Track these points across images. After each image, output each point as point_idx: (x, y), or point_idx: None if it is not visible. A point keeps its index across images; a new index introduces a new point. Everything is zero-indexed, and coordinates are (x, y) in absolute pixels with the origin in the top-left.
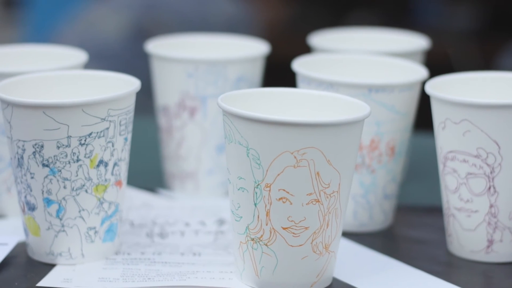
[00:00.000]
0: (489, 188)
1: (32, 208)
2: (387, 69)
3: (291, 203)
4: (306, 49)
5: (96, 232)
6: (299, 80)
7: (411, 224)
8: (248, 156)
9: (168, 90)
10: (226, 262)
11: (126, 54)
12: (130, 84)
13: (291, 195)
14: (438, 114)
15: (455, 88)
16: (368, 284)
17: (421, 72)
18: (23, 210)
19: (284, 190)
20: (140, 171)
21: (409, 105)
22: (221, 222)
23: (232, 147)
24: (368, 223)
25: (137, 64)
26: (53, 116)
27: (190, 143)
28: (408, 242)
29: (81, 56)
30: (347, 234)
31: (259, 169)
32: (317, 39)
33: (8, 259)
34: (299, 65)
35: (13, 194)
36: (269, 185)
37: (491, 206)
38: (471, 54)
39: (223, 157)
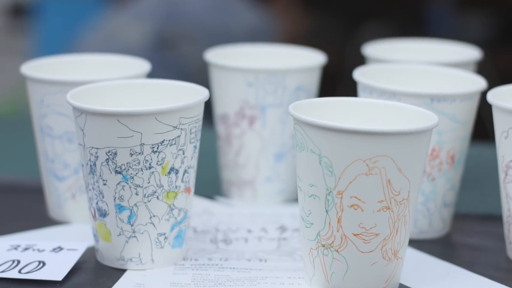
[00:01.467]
0: None
1: (103, 214)
2: (445, 79)
3: (362, 210)
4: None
5: (166, 238)
6: (360, 90)
7: (468, 232)
8: (320, 164)
9: (227, 99)
10: (292, 268)
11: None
12: (199, 93)
13: (363, 202)
14: (500, 123)
15: None
16: None
17: (480, 82)
18: (94, 216)
19: (356, 197)
20: (198, 179)
21: (469, 114)
22: (282, 229)
23: (304, 155)
24: (427, 230)
25: (160, 74)
26: (127, 124)
27: (249, 151)
28: (466, 249)
29: (144, 65)
30: None
31: (331, 177)
32: (370, 49)
33: (78, 264)
34: (360, 74)
35: (78, 201)
36: (341, 192)
37: None
38: (485, 64)
39: (281, 165)
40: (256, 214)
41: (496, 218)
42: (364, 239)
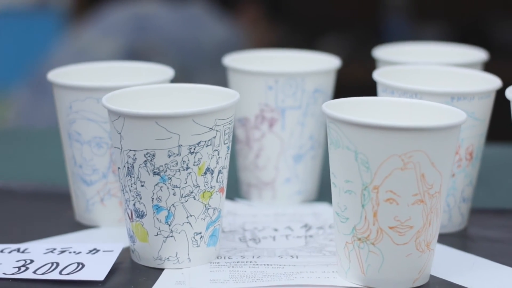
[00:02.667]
0: None
1: (141, 215)
2: (461, 79)
3: (397, 204)
4: None
5: (201, 237)
6: (380, 90)
7: (485, 225)
8: (356, 160)
9: (248, 103)
10: (324, 263)
11: None
12: (231, 95)
13: (398, 196)
14: None
15: None
16: (463, 280)
17: (496, 81)
18: (130, 218)
19: (391, 191)
20: None
21: (486, 112)
22: (307, 227)
23: (339, 152)
24: (447, 224)
25: None
26: (165, 126)
27: (269, 153)
28: (486, 241)
29: (169, 71)
30: None
31: (367, 172)
32: (381, 52)
33: (114, 265)
34: (379, 75)
35: (106, 204)
36: (377, 187)
37: None
38: None
39: (299, 166)
40: (279, 214)
41: (509, 212)
42: (399, 232)
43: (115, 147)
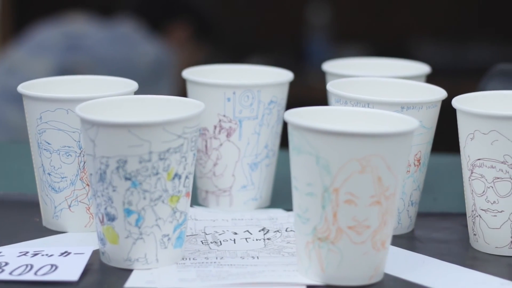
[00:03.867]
0: None
1: (112, 218)
2: (409, 90)
3: (356, 205)
4: None
5: (169, 239)
6: (333, 101)
7: (431, 228)
8: (318, 165)
9: (207, 113)
10: (284, 263)
11: None
12: (197, 105)
13: (357, 197)
14: (466, 126)
15: (477, 104)
16: (414, 276)
17: (442, 91)
18: (102, 221)
19: (350, 193)
20: None
21: (433, 121)
22: (265, 231)
23: (301, 157)
24: (397, 227)
25: None
26: (137, 133)
27: (226, 161)
28: (434, 242)
29: (133, 84)
30: None
31: (328, 176)
32: (330, 65)
33: (85, 267)
34: (332, 86)
35: (73, 210)
36: (337, 189)
37: None
38: None
39: (255, 174)
40: (237, 219)
41: (452, 216)
42: (357, 231)
43: (88, 154)
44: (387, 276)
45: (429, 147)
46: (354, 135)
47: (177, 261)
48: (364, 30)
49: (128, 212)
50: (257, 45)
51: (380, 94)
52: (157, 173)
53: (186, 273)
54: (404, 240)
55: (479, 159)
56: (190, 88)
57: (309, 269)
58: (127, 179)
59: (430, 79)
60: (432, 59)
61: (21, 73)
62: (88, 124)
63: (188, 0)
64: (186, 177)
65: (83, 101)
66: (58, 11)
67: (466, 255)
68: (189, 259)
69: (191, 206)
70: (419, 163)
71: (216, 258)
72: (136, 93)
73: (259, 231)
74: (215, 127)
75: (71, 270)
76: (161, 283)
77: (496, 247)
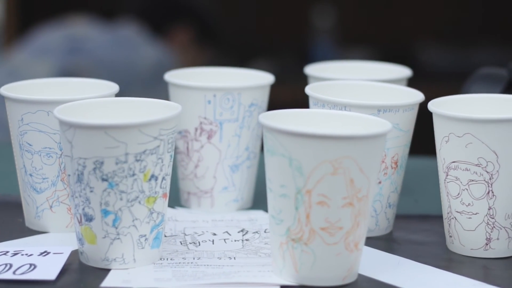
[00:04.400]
0: (488, 192)
1: (89, 219)
2: (387, 93)
3: (328, 206)
4: None
5: (146, 239)
6: (312, 104)
7: (410, 230)
8: (290, 166)
9: (188, 116)
10: (260, 263)
11: None
12: (174, 108)
13: (329, 199)
14: (441, 129)
15: (453, 107)
16: (387, 277)
17: (419, 95)
18: (80, 221)
19: (322, 195)
20: None
21: (410, 124)
22: (244, 232)
23: (275, 159)
24: (374, 229)
25: None
26: (113, 135)
27: (207, 163)
28: (411, 244)
29: (114, 86)
30: None
31: (300, 177)
32: (312, 68)
33: (64, 266)
34: (311, 90)
35: (55, 211)
36: (309, 191)
37: (489, 208)
38: None
39: (236, 176)
40: (217, 220)
41: (432, 218)
42: (330, 233)
43: (66, 155)
44: (361, 277)
45: (406, 149)
46: (326, 137)
47: (154, 261)
48: (369, 33)
49: (105, 213)
50: (262, 48)
51: (358, 97)
52: (133, 174)
53: (162, 273)
54: (382, 242)
55: (454, 162)
56: (171, 91)
57: (283, 269)
58: (104, 180)
59: (434, 82)
60: (437, 63)
61: (23, 75)
62: (66, 125)
63: (191, 3)
64: (163, 178)
65: (63, 103)
66: (61, 14)
67: (441, 256)
68: (167, 259)
69: (173, 207)
70: (397, 166)
71: (194, 258)
72: (137, 95)
73: (238, 232)
74: (196, 129)
75: (49, 270)
76: (137, 282)
77: (471, 249)
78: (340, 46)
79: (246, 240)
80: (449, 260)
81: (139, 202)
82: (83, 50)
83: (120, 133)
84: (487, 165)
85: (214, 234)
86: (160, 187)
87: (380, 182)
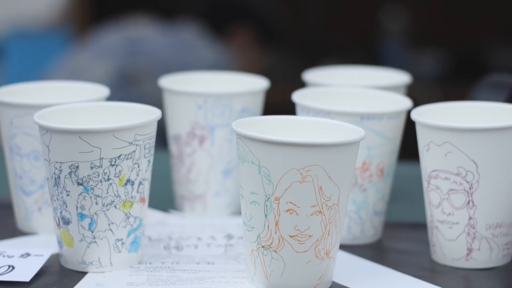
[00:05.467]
0: (468, 202)
1: (67, 222)
2: (376, 100)
3: (297, 214)
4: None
5: (123, 243)
6: (298, 110)
7: (398, 238)
8: (260, 174)
9: (179, 121)
10: (237, 269)
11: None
12: (152, 113)
13: (298, 207)
14: (422, 138)
15: (436, 115)
16: (362, 286)
17: (406, 102)
18: (58, 224)
19: (291, 202)
20: (154, 195)
21: (396, 131)
22: (229, 237)
23: (246, 166)
24: (360, 236)
25: None
26: (87, 140)
27: (199, 168)
28: (395, 252)
29: (103, 90)
30: (341, 246)
31: (269, 185)
32: (310, 75)
33: (44, 268)
34: (298, 97)
35: (44, 213)
36: (278, 198)
37: (470, 218)
38: (436, 99)
39: (228, 181)
40: (206, 225)
41: (423, 227)
42: (299, 240)
43: (44, 159)
44: (335, 285)
45: (393, 157)
46: (294, 145)
47: (132, 265)
48: (441, 36)
49: (81, 216)
50: (330, 49)
51: (346, 104)
52: (108, 179)
53: (137, 277)
54: (367, 250)
55: (434, 171)
56: (165, 96)
57: (254, 276)
58: (79, 184)
59: None
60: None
61: (82, 76)
62: (43, 130)
63: (252, 4)
64: (140, 183)
65: (49, 106)
66: (122, 14)
67: (423, 266)
68: (146, 263)
69: (166, 210)
70: (382, 173)
71: (172, 263)
72: None
73: (224, 237)
74: (188, 134)
75: (26, 272)
76: (109, 286)
77: (452, 259)
78: (411, 48)
79: (230, 245)
80: (430, 270)
81: (115, 207)
82: (142, 52)
83: (94, 138)
84: (466, 175)
85: (199, 239)
86: (137, 192)
87: (365, 190)
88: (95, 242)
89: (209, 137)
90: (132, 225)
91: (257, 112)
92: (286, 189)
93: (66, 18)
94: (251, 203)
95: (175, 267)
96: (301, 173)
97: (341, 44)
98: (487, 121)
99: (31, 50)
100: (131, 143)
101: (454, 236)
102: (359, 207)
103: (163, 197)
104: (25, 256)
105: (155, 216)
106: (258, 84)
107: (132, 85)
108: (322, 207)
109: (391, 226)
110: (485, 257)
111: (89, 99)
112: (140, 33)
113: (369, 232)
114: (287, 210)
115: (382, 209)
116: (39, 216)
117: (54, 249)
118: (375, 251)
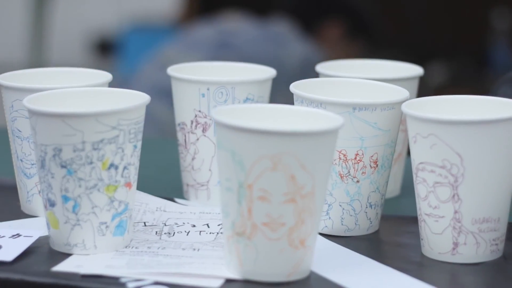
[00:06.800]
0: (453, 195)
1: (52, 204)
2: (373, 90)
3: (269, 202)
4: None
5: (107, 226)
6: (295, 100)
7: (395, 231)
8: (233, 161)
9: (184, 109)
10: (220, 256)
11: None
12: (142, 98)
13: (270, 194)
14: (410, 129)
15: (428, 108)
16: (340, 277)
17: (403, 93)
18: (45, 207)
19: (263, 190)
20: (164, 183)
21: (391, 123)
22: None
23: (221, 152)
24: (354, 228)
25: None
26: (70, 123)
27: (203, 156)
28: (388, 245)
29: (107, 75)
30: (335, 238)
31: (242, 172)
32: (322, 66)
33: (33, 249)
34: (295, 87)
35: None
36: (250, 185)
37: (455, 212)
38: None
39: None
40: (204, 213)
41: None
42: (271, 228)
43: (32, 142)
44: (313, 275)
45: (388, 149)
46: (264, 133)
47: (117, 248)
48: None
49: (65, 199)
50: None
51: (341, 95)
52: (91, 162)
53: (118, 260)
54: (360, 241)
55: (421, 163)
56: (172, 84)
57: (230, 263)
58: (63, 166)
59: None
60: None
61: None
62: (30, 113)
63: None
64: (125, 167)
65: (40, 91)
66: (216, 10)
67: (411, 260)
68: (132, 247)
69: (173, 200)
70: (376, 165)
71: (158, 248)
72: (282, 92)
73: (218, 225)
74: (192, 122)
75: (11, 252)
76: (87, 268)
77: (439, 253)
78: None
79: (221, 233)
80: (417, 264)
81: (98, 190)
82: (233, 45)
83: (77, 121)
84: (451, 168)
85: (193, 226)
86: (122, 176)
87: (358, 181)
88: (79, 224)
89: (212, 125)
90: (116, 209)
91: (262, 101)
92: (258, 177)
93: (178, 15)
94: (226, 189)
95: (160, 252)
96: (272, 161)
97: (445, 43)
98: (481, 115)
99: (147, 44)
100: (115, 127)
101: (440, 230)
102: (352, 198)
103: (171, 184)
104: (15, 237)
105: (157, 203)
106: (264, 72)
107: None
108: (295, 196)
109: (392, 219)
110: (471, 252)
111: (92, 84)
112: (231, 26)
113: (364, 225)
114: (260, 198)
115: (377, 202)
116: (39, 198)
117: (43, 230)
118: (367, 243)
